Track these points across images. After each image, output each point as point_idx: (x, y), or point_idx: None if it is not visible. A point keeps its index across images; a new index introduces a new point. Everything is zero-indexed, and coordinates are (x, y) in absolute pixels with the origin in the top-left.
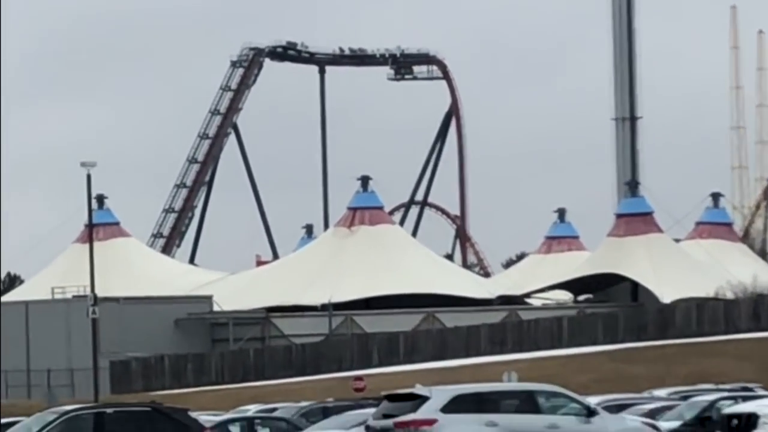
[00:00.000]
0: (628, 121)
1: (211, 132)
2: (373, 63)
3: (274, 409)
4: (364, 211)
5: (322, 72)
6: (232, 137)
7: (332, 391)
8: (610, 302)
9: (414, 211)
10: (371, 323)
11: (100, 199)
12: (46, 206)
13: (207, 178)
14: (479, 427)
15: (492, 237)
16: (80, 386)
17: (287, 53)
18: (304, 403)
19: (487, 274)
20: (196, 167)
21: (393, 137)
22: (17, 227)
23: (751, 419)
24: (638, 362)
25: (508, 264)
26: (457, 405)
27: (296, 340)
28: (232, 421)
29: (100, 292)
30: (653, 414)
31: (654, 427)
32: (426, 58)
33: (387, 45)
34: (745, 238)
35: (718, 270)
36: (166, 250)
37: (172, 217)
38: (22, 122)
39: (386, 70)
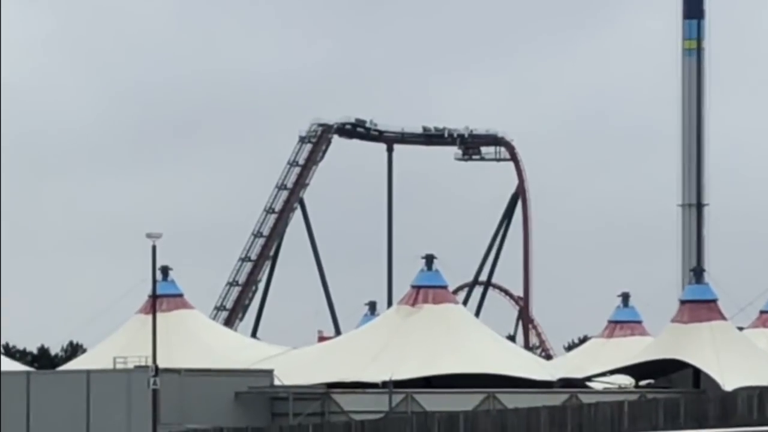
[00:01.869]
0: (695, 207)
1: (278, 206)
2: (441, 142)
3: None
4: (428, 290)
5: (390, 150)
6: (298, 212)
7: None
8: (672, 388)
9: (477, 291)
10: (431, 402)
11: (165, 270)
12: (110, 276)
13: (272, 252)
14: None
15: (555, 319)
16: None
17: (356, 130)
18: None
19: (548, 356)
20: (261, 241)
21: (459, 217)
22: (81, 296)
23: None
24: None
25: (570, 347)
26: None
27: (356, 417)
28: None
29: (162, 364)
30: None
31: None
32: (494, 139)
33: (455, 125)
34: None
35: None
36: (229, 323)
37: (236, 290)
38: (89, 191)
39: (454, 150)
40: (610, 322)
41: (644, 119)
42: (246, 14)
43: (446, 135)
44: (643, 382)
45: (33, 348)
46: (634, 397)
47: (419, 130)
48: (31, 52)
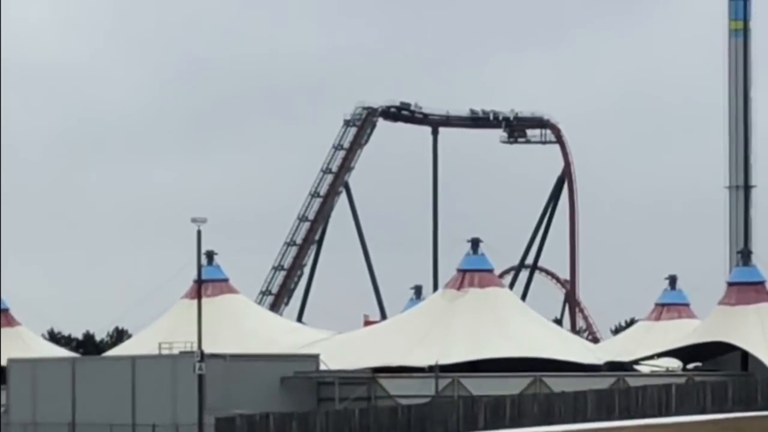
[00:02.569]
0: (742, 189)
1: (323, 191)
2: (487, 125)
3: None
4: (474, 274)
5: (435, 133)
6: (343, 196)
7: None
8: (720, 371)
9: (524, 274)
10: (478, 386)
11: (210, 255)
12: (155, 261)
13: (317, 237)
14: None
15: (601, 302)
16: None
17: (400, 113)
18: None
19: (595, 340)
20: (306, 225)
21: (504, 200)
22: (126, 281)
23: None
24: None
25: (617, 330)
26: None
27: (402, 401)
28: None
29: (207, 349)
30: None
31: None
32: (540, 122)
33: (501, 107)
34: None
35: None
36: (275, 307)
37: (281, 274)
38: (135, 175)
39: (499, 133)
40: (657, 304)
41: (690, 101)
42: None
43: (492, 118)
44: (690, 365)
45: (78, 334)
46: (681, 380)
47: (464, 113)
48: (85, 34)
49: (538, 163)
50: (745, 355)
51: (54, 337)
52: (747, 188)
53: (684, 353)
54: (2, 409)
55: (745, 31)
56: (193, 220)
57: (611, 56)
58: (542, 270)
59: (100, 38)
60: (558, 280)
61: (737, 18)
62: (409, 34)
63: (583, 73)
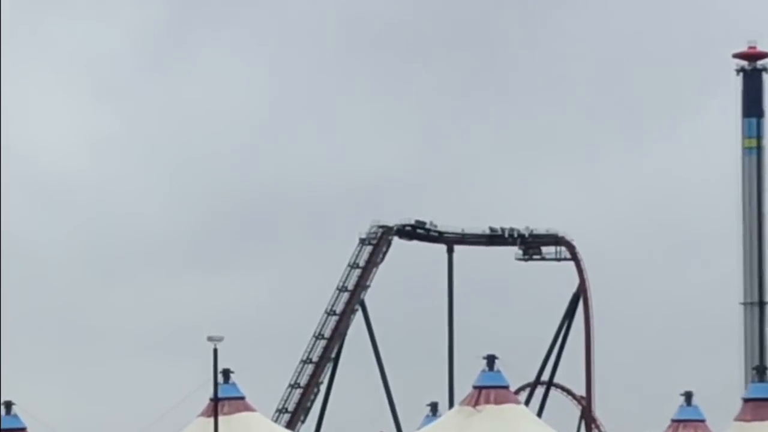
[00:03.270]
0: (757, 306)
1: (339, 309)
2: (502, 243)
3: None
4: (490, 391)
5: (450, 251)
6: (359, 314)
7: None
8: None
9: (540, 390)
10: None
11: (226, 373)
12: (171, 379)
13: (333, 354)
14: None
15: (618, 418)
16: None
17: (416, 232)
18: None
19: None
20: (322, 343)
21: (520, 316)
22: (143, 400)
23: None
24: None
25: None
26: None
27: None
28: None
29: None
30: None
31: None
32: (554, 239)
33: (515, 224)
34: None
35: None
36: (291, 425)
37: (298, 392)
38: (150, 294)
39: (514, 250)
40: (673, 420)
41: (705, 218)
42: (314, 115)
43: (507, 235)
44: None
45: None
46: None
47: (479, 231)
48: (99, 149)
49: (553, 279)
50: None
51: None
52: (762, 304)
53: None
54: None
55: (759, 148)
56: (209, 339)
57: (623, 174)
58: (558, 386)
59: (117, 151)
60: (574, 396)
61: (750, 136)
62: (423, 152)
63: (596, 190)
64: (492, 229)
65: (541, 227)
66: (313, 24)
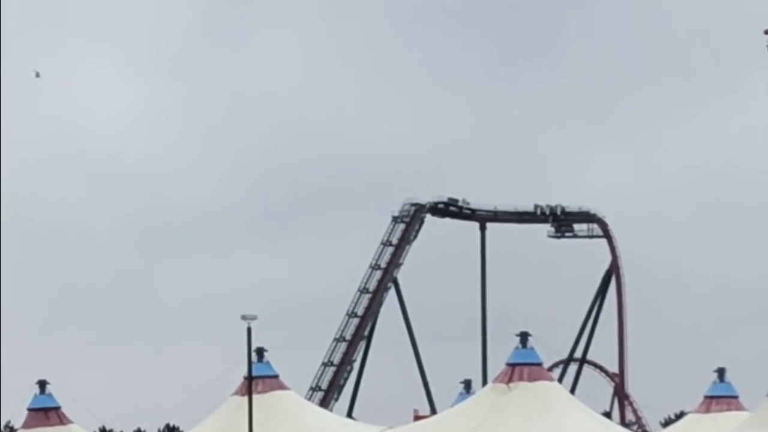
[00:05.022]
0: None
1: (372, 286)
2: (534, 220)
3: None
4: (523, 368)
5: (482, 228)
6: (392, 292)
7: None
8: None
9: (573, 368)
10: None
11: (260, 351)
12: (205, 358)
13: (366, 332)
14: None
15: (651, 395)
16: None
17: (448, 209)
18: None
19: None
20: (355, 321)
21: (553, 294)
22: (177, 378)
23: None
24: None
25: (667, 423)
26: None
27: None
28: None
29: None
30: None
31: None
32: (587, 216)
33: (548, 202)
34: None
35: None
36: (324, 403)
37: (331, 370)
38: (185, 271)
39: (546, 228)
40: (706, 397)
41: (736, 191)
42: (362, 93)
43: (539, 213)
44: None
45: (129, 430)
46: None
47: (511, 209)
48: (158, 126)
49: (586, 257)
50: None
51: None
52: None
53: None
54: None
55: None
56: (243, 318)
57: (659, 150)
58: (591, 363)
59: (170, 129)
60: (607, 373)
61: None
62: (455, 130)
63: (626, 165)
64: (523, 208)
65: (573, 205)
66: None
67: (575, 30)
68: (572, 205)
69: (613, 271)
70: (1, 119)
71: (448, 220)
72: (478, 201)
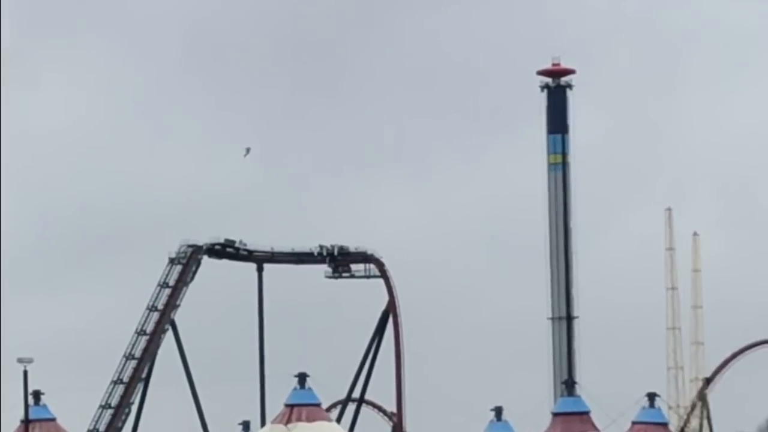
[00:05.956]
0: (565, 320)
1: (149, 328)
2: (312, 261)
3: None
4: (302, 408)
5: (260, 270)
6: (170, 333)
7: None
8: None
9: (351, 407)
10: None
11: (37, 394)
12: None
13: (144, 374)
14: None
15: None
16: None
17: (225, 251)
18: None
19: None
20: (133, 363)
21: (330, 335)
22: None
23: None
24: None
25: None
26: None
27: None
28: None
29: None
30: None
31: None
32: (363, 257)
33: (331, 242)
34: None
35: None
36: None
37: (109, 413)
38: None
39: (324, 268)
40: None
41: (514, 234)
42: (141, 134)
43: (316, 253)
44: None
45: None
46: None
47: (289, 249)
48: None
49: (363, 297)
50: None
51: None
52: (570, 319)
53: None
54: None
55: (564, 164)
56: (20, 360)
57: (429, 191)
58: (369, 403)
59: None
60: (385, 413)
61: (556, 152)
62: (235, 170)
63: (401, 207)
64: (300, 248)
65: (350, 245)
66: (150, 39)
67: (361, 70)
68: (353, 245)
69: (390, 310)
70: None
71: (225, 261)
72: (257, 242)
